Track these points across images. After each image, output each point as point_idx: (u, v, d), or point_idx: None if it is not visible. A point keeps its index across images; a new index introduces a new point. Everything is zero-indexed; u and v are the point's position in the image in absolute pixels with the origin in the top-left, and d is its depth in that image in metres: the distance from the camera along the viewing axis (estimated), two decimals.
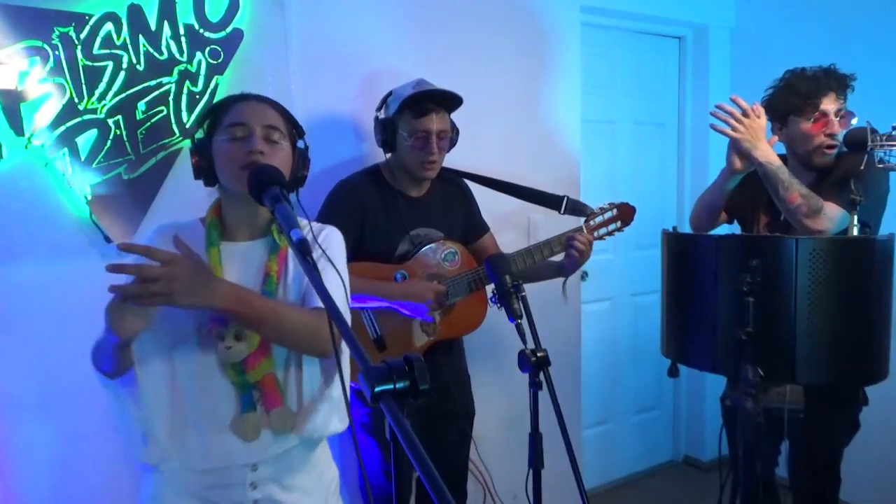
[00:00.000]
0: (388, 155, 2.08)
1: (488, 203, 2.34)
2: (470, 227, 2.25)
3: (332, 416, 1.32)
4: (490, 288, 1.77)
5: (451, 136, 2.06)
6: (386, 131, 2.01)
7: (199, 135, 1.35)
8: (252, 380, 1.27)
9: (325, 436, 1.34)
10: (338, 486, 1.45)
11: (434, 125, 1.97)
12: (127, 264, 1.10)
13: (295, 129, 1.39)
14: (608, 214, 2.15)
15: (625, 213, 2.16)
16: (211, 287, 1.15)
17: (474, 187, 2.29)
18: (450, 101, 2.02)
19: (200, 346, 1.27)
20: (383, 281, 1.99)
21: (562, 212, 2.21)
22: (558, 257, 2.14)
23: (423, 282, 2.01)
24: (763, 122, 1.87)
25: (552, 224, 2.37)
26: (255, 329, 1.23)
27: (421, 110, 1.96)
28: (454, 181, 2.24)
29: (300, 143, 1.39)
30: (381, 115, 2.05)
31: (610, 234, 2.16)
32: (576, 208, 2.20)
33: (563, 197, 2.21)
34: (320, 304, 1.21)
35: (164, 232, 1.29)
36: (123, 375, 1.25)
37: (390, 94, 2.04)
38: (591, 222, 2.14)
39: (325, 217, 2.01)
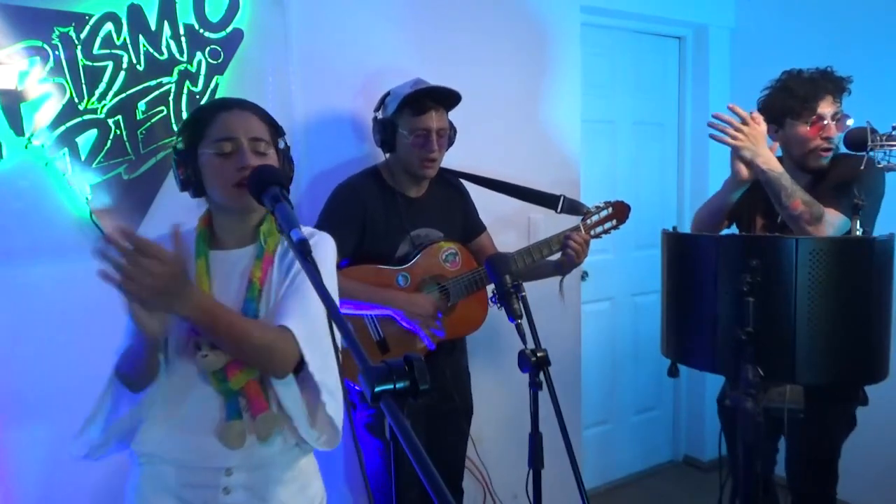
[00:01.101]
0: (387, 155, 2.08)
1: (488, 203, 2.34)
2: (468, 227, 2.26)
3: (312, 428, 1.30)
4: (490, 288, 1.77)
5: (449, 135, 2.06)
6: (385, 131, 2.01)
7: (181, 145, 1.32)
8: (234, 387, 1.26)
9: (306, 445, 1.31)
10: (322, 502, 1.42)
11: (434, 123, 1.98)
12: (121, 242, 1.07)
13: (276, 131, 1.37)
14: (603, 213, 2.16)
15: (620, 212, 2.17)
16: (181, 294, 1.13)
17: (472, 187, 2.29)
18: (448, 99, 2.03)
19: (182, 356, 1.27)
20: (385, 288, 1.99)
21: (558, 211, 2.22)
22: (556, 256, 2.15)
23: (424, 296, 2.01)
24: (763, 128, 1.87)
25: (552, 224, 2.37)
26: (217, 342, 1.23)
27: (421, 108, 1.96)
28: (451, 181, 2.24)
29: (281, 144, 1.37)
30: (380, 115, 2.05)
31: (606, 232, 2.17)
32: (572, 207, 2.21)
33: (560, 196, 2.22)
34: (287, 321, 1.22)
35: (162, 241, 1.29)
36: (145, 389, 1.26)
37: (388, 94, 2.04)
38: (588, 221, 2.15)
39: (327, 219, 2.01)
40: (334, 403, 1.26)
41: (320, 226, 1.99)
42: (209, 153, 1.29)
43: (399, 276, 2.03)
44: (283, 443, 1.30)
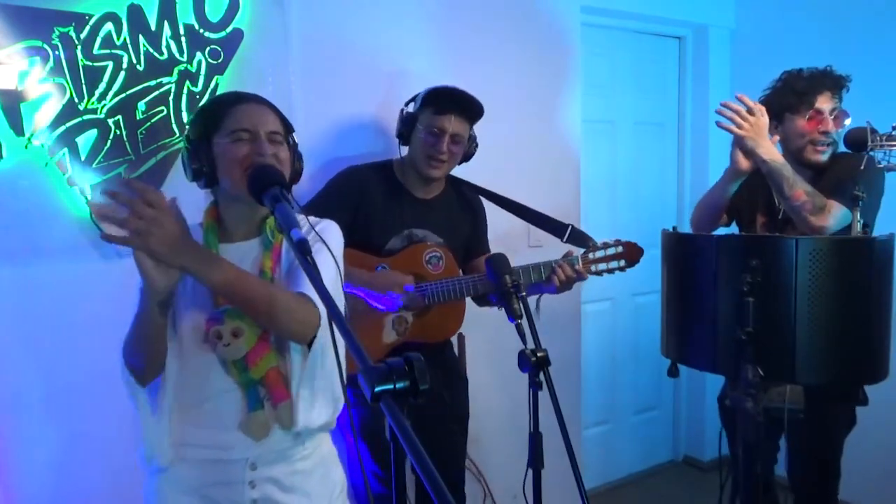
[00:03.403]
0: (402, 156, 2.10)
1: (496, 214, 2.31)
2: (472, 243, 2.22)
3: (323, 407, 1.31)
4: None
5: (465, 145, 2.04)
6: (406, 124, 2.03)
7: (194, 135, 1.33)
8: (256, 376, 1.26)
9: (316, 426, 1.32)
10: (344, 489, 1.43)
11: (450, 126, 1.97)
12: (123, 192, 1.09)
13: (286, 128, 1.38)
14: (612, 250, 2.05)
15: (631, 253, 2.07)
16: (189, 247, 1.14)
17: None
18: (472, 110, 2.02)
19: (201, 348, 1.27)
20: (357, 268, 1.96)
21: (563, 240, 2.16)
22: None
23: (396, 273, 1.98)
24: (766, 119, 1.88)
25: (556, 242, 2.32)
26: (244, 306, 1.22)
27: (442, 108, 1.97)
28: (468, 196, 2.22)
29: (290, 141, 1.39)
30: (407, 109, 2.06)
31: (609, 271, 2.06)
32: (578, 238, 2.13)
33: (569, 226, 2.16)
34: (303, 288, 1.23)
35: None
36: (151, 383, 1.26)
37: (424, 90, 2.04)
38: (590, 255, 2.05)
39: (320, 195, 2.03)
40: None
41: (314, 200, 2.01)
42: (225, 142, 1.29)
43: (379, 266, 2.01)
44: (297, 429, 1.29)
